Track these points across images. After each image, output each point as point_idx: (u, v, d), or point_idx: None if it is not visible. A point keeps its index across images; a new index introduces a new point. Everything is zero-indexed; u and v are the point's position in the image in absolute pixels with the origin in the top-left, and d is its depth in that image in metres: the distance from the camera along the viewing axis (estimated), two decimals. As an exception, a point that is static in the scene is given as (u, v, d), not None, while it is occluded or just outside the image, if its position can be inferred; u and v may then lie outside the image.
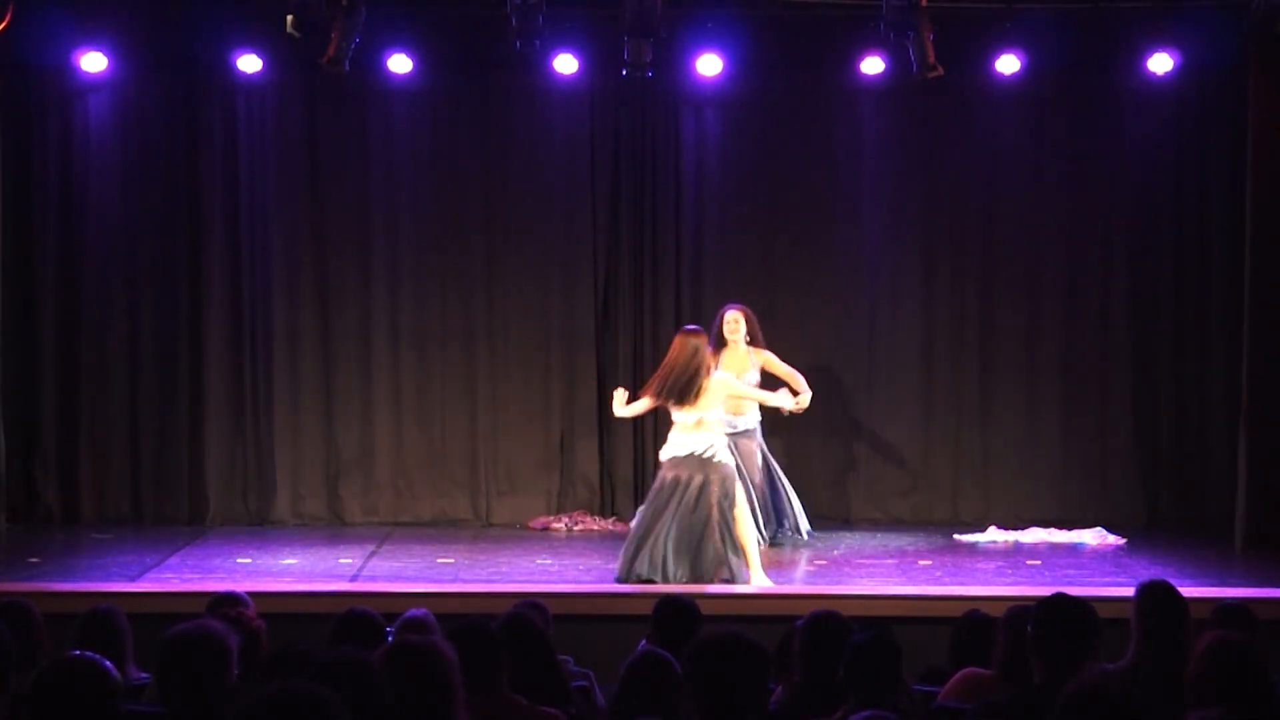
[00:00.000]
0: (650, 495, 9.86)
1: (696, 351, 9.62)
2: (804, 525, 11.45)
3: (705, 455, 9.61)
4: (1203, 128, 12.47)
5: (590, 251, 12.63)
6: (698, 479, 9.59)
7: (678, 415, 9.67)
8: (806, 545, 11.30)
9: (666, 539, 9.54)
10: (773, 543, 11.18)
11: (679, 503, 9.59)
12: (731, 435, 10.51)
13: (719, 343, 11.17)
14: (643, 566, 9.54)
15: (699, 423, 9.63)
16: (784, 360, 11.35)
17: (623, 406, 9.96)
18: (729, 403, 10.36)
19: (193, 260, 12.44)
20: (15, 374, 12.18)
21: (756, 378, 11.20)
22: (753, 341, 11.27)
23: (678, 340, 9.76)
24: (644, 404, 9.87)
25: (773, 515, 11.30)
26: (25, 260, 12.26)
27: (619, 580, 9.64)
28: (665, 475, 9.71)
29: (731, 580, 9.50)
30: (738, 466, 10.16)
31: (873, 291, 12.73)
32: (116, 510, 12.34)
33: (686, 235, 12.71)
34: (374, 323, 12.58)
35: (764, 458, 11.33)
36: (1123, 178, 12.62)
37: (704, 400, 9.61)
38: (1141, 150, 12.55)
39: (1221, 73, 12.04)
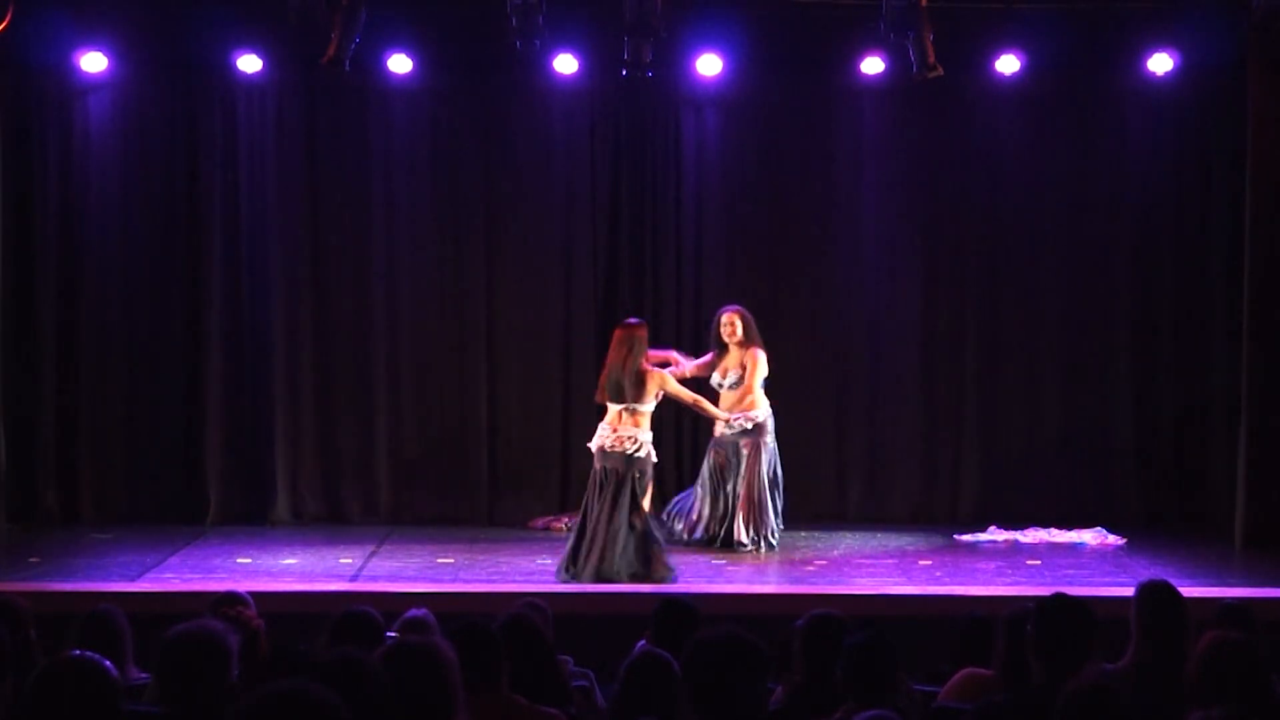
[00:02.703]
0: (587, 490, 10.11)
1: (626, 344, 9.84)
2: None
3: (631, 451, 9.79)
4: (1203, 128, 12.47)
5: (590, 250, 12.64)
6: (620, 475, 9.85)
7: (612, 406, 9.94)
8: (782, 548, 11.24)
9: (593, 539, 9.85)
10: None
11: (599, 499, 9.87)
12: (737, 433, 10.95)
13: (721, 347, 11.19)
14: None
15: (633, 415, 9.87)
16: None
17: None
18: (740, 401, 10.94)
19: (192, 260, 12.45)
20: (15, 374, 12.18)
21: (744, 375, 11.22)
22: (748, 341, 11.24)
23: (615, 334, 9.98)
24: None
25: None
26: (25, 260, 12.25)
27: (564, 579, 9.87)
28: (594, 467, 10.02)
29: (647, 579, 9.72)
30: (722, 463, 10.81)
31: (873, 291, 12.73)
32: (116, 510, 12.33)
33: (687, 235, 12.72)
34: (374, 322, 12.59)
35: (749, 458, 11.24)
36: (1123, 177, 12.62)
37: (635, 393, 9.85)
38: (1141, 150, 12.55)
39: (1221, 73, 12.03)
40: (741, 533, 11.02)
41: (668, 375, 10.14)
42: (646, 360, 9.97)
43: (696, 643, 4.44)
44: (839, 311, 12.75)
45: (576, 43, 11.85)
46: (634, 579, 9.73)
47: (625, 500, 9.80)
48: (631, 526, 9.80)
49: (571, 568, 9.87)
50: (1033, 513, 12.27)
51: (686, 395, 10.35)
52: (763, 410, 11.13)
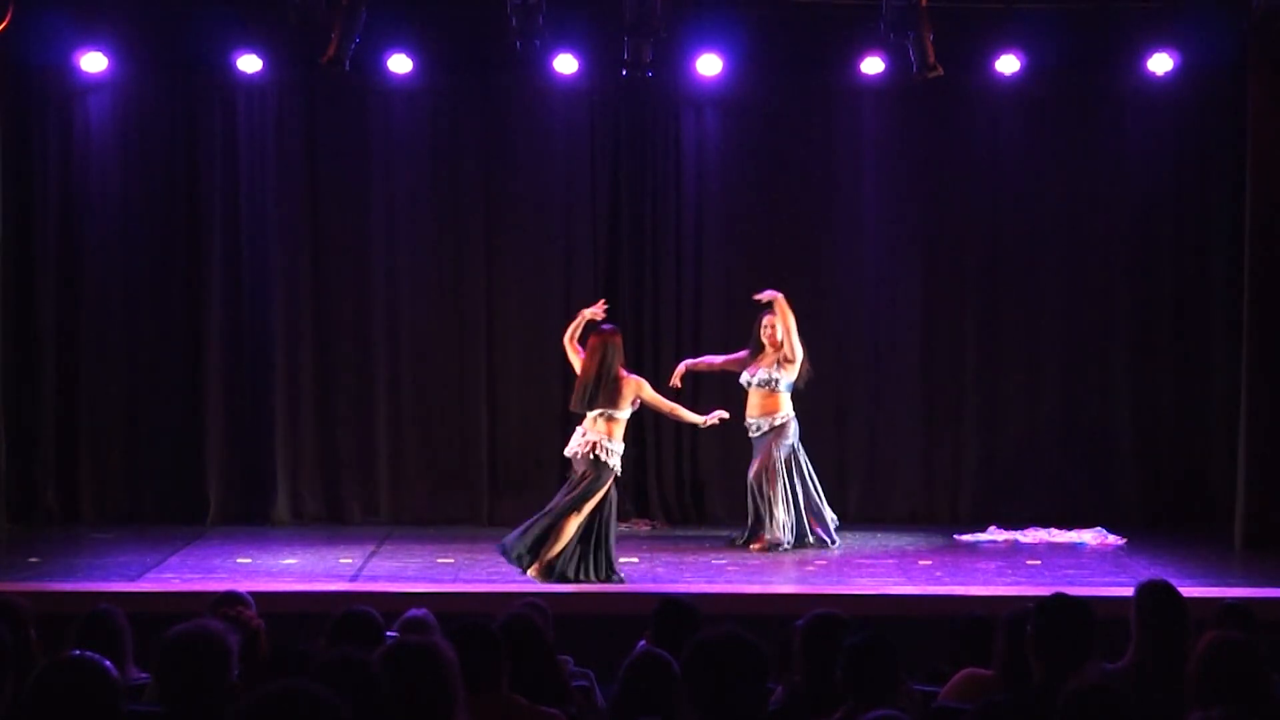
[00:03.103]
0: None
1: (600, 351, 9.78)
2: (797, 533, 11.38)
3: (600, 457, 9.75)
4: (1203, 128, 12.48)
5: (590, 251, 12.65)
6: (579, 475, 9.82)
7: (589, 412, 9.86)
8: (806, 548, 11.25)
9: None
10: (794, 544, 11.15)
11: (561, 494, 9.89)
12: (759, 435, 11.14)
13: (758, 347, 11.20)
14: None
15: (609, 421, 9.80)
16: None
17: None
18: (764, 403, 11.00)
19: (192, 260, 12.46)
20: (15, 374, 12.18)
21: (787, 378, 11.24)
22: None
23: (590, 341, 9.91)
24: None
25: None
26: (25, 260, 12.26)
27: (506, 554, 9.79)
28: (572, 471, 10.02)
29: (606, 580, 9.77)
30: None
31: (873, 290, 12.74)
32: (116, 510, 12.34)
33: (686, 235, 12.73)
34: (373, 322, 12.59)
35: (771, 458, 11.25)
36: (1123, 177, 12.62)
37: (611, 399, 9.79)
38: (1141, 150, 12.55)
39: (1221, 73, 12.04)
40: (769, 531, 11.10)
41: (644, 381, 10.07)
42: (622, 366, 9.93)
43: (696, 643, 4.43)
44: (839, 311, 12.75)
45: (576, 43, 11.86)
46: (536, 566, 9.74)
47: (588, 501, 9.76)
48: (587, 527, 9.80)
49: (553, 567, 9.85)
50: (1033, 513, 12.27)
51: (664, 403, 10.29)
52: (782, 414, 11.16)
